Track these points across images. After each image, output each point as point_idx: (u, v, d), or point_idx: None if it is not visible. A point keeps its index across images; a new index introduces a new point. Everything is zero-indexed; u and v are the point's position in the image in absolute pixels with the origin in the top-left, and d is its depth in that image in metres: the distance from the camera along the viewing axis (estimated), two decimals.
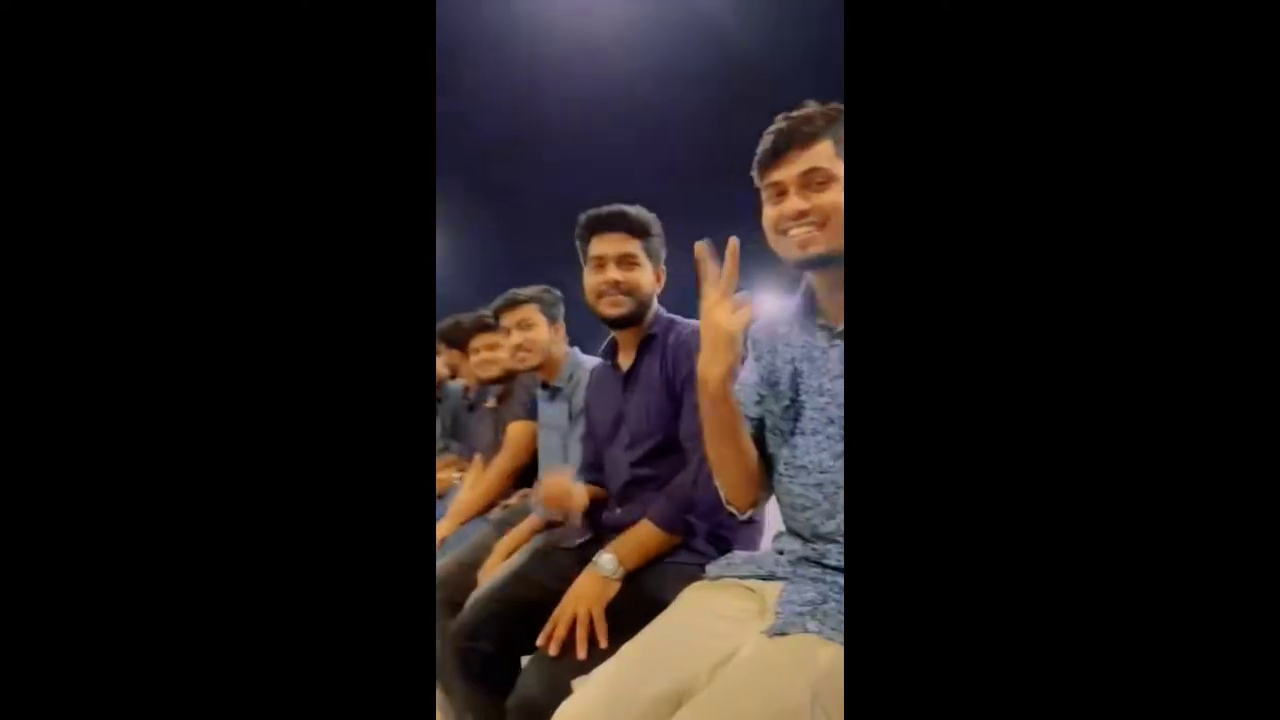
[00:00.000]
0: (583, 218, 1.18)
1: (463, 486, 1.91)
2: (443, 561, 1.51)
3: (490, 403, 1.95)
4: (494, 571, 1.31)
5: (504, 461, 1.70)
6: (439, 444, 2.43)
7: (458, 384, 2.33)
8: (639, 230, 1.16)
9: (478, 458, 1.96)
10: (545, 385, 1.64)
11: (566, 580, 1.13)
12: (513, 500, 1.67)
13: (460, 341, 2.27)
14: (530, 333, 1.58)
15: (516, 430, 1.73)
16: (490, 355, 1.88)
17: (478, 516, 1.69)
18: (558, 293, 1.67)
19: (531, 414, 1.73)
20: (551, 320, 1.61)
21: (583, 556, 1.18)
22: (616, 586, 0.96)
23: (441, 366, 2.41)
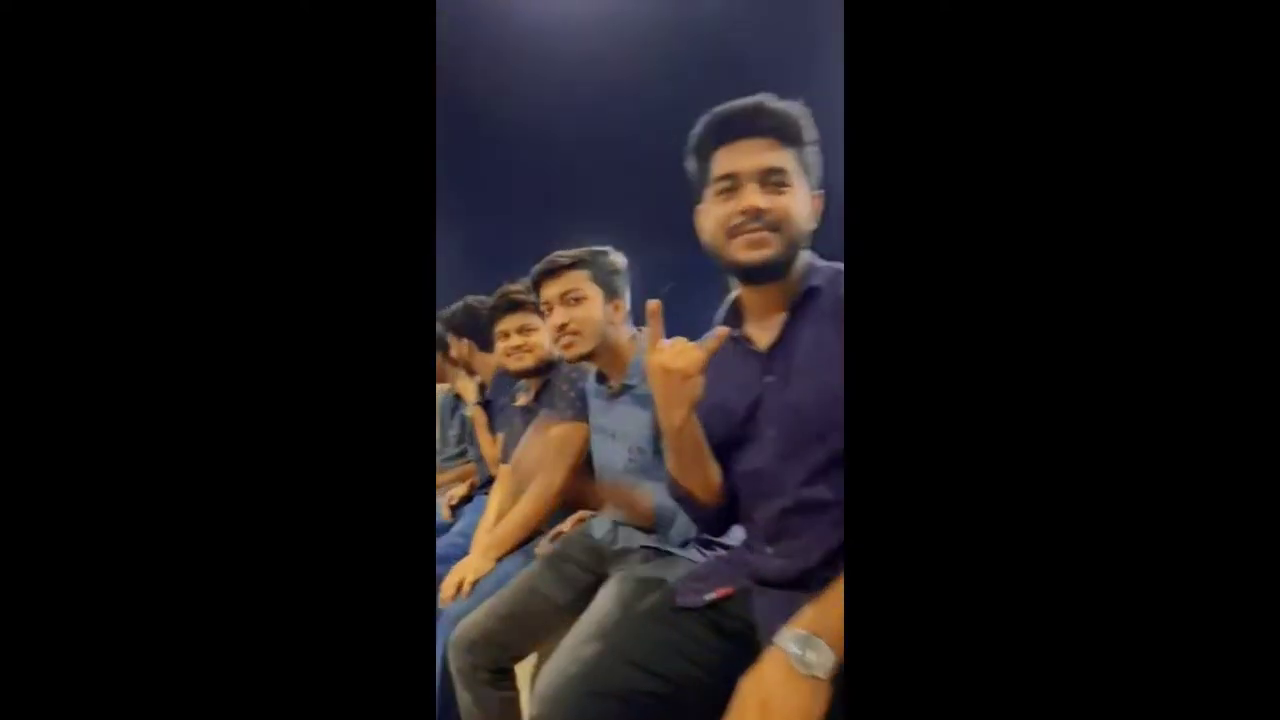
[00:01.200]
0: (705, 119, 0.79)
1: (487, 507, 1.51)
2: (474, 616, 1.11)
3: (521, 399, 1.55)
4: (570, 636, 0.93)
5: (552, 476, 1.31)
6: (453, 449, 2.02)
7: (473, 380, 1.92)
8: (789, 134, 0.77)
9: (504, 469, 1.56)
10: (603, 379, 1.25)
11: (703, 664, 0.75)
12: (565, 527, 1.28)
13: (473, 329, 1.87)
14: (578, 309, 1.17)
15: (564, 435, 1.33)
16: (524, 340, 1.48)
17: (517, 550, 1.29)
18: (619, 256, 1.27)
19: (582, 413, 1.34)
20: (610, 293, 1.21)
21: (717, 624, 0.79)
22: (827, 690, 0.57)
23: (443, 362, 2.00)
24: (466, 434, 1.95)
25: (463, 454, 2.00)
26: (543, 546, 1.24)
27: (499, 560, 1.26)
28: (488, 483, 1.73)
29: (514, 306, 1.50)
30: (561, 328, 1.16)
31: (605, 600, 0.97)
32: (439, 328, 1.93)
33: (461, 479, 1.91)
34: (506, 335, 1.50)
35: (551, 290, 1.18)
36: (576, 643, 0.88)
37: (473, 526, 1.49)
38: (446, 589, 1.21)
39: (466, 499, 1.75)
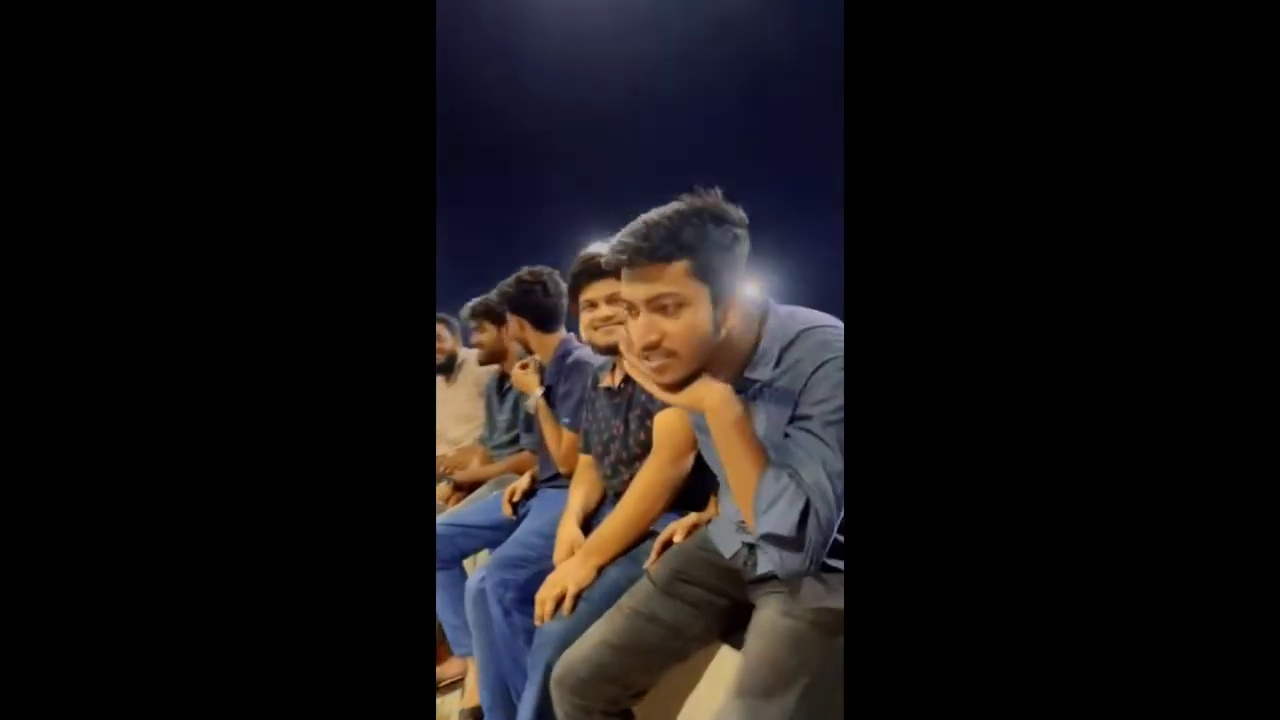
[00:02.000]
0: None
1: (569, 504, 1.30)
2: (580, 650, 0.89)
3: (606, 380, 1.34)
4: (754, 696, 0.72)
5: (660, 470, 1.10)
6: (503, 436, 1.81)
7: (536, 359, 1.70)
8: None
9: (585, 459, 1.35)
10: None
11: None
12: (677, 536, 1.06)
13: (527, 305, 1.65)
14: (674, 320, 0.76)
15: (671, 423, 1.12)
16: (613, 310, 1.27)
17: (622, 555, 1.08)
18: (735, 214, 0.78)
19: None
20: (724, 279, 0.77)
21: None
22: None
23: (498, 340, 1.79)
24: (520, 420, 1.74)
25: (514, 441, 1.79)
26: (653, 564, 1.01)
27: (602, 569, 1.05)
28: (552, 477, 1.53)
29: (599, 272, 1.29)
30: (651, 347, 0.76)
31: (775, 638, 0.76)
32: (494, 298, 1.72)
33: (517, 470, 1.70)
34: (593, 305, 1.29)
35: (637, 289, 0.75)
36: (763, 701, 0.68)
37: (548, 524, 1.27)
38: (544, 604, 1.00)
39: (529, 493, 1.54)
